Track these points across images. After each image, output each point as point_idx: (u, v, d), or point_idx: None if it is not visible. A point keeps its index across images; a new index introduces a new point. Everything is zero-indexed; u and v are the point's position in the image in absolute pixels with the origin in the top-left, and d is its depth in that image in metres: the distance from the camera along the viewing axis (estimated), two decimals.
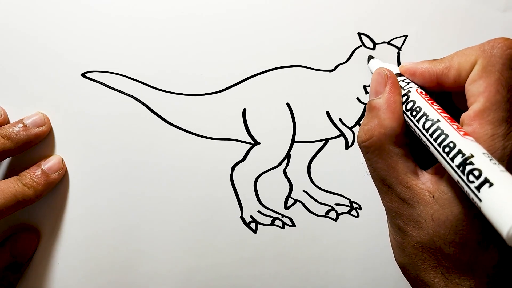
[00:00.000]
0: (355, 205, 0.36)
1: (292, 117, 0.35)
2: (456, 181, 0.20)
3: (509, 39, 0.23)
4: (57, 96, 0.34)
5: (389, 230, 0.26)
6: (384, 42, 0.34)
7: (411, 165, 0.24)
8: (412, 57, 0.34)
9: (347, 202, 0.36)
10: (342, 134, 0.35)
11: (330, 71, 0.35)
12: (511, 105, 0.21)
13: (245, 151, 0.35)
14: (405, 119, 0.25)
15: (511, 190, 0.18)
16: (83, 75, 0.34)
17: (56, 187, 0.34)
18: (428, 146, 0.23)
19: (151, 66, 0.34)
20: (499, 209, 0.18)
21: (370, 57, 0.33)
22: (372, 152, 0.25)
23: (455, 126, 0.22)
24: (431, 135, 0.22)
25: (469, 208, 0.21)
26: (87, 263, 0.35)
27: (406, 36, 0.34)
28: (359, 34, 0.34)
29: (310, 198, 0.36)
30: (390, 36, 0.34)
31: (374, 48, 0.34)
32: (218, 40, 0.34)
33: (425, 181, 0.23)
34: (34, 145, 0.33)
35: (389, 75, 0.26)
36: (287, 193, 0.36)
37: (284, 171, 0.36)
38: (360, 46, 0.34)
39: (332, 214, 0.36)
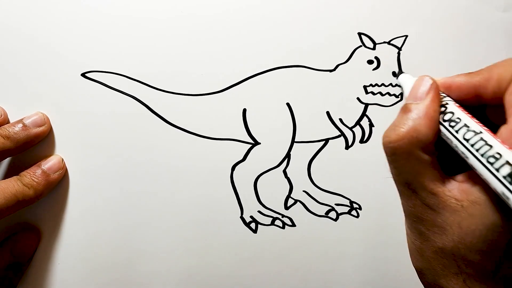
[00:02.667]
0: (355, 205, 0.36)
1: (292, 117, 0.35)
2: (501, 192, 0.21)
3: None
4: (57, 96, 0.34)
5: (407, 234, 0.26)
6: (384, 42, 0.34)
7: (437, 173, 0.24)
8: (412, 57, 0.34)
9: (347, 202, 0.36)
10: (342, 134, 0.35)
11: (330, 71, 0.35)
12: None
13: (245, 151, 0.35)
14: (439, 130, 0.24)
15: None
16: (83, 75, 0.34)
17: (57, 187, 0.34)
18: (467, 157, 0.23)
19: (151, 66, 0.34)
20: None
21: (400, 72, 0.34)
22: (400, 154, 0.24)
23: (498, 139, 0.22)
24: (472, 145, 0.22)
25: (502, 220, 0.21)
26: (87, 262, 0.35)
27: (406, 36, 0.34)
28: (359, 34, 0.34)
29: (310, 198, 0.36)
30: (390, 36, 0.34)
31: (374, 48, 0.34)
32: (218, 40, 0.34)
33: (452, 188, 0.23)
34: (34, 145, 0.33)
35: (434, 85, 0.25)
36: (287, 193, 0.36)
37: (284, 171, 0.36)
38: (360, 46, 0.34)
39: (332, 214, 0.36)
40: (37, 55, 0.34)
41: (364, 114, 0.35)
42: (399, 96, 0.34)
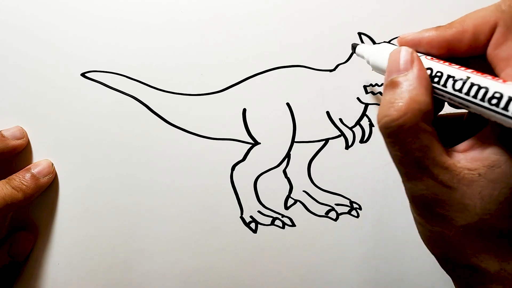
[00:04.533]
0: (355, 205, 0.36)
1: (292, 117, 0.35)
2: None
3: None
4: (57, 96, 0.34)
5: (419, 224, 0.24)
6: (384, 42, 0.34)
7: (441, 145, 0.22)
8: None
9: (347, 202, 0.36)
10: (342, 134, 0.35)
11: (330, 71, 0.34)
12: None
13: (245, 151, 0.35)
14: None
15: None
16: (83, 75, 0.34)
17: (55, 187, 0.34)
18: (468, 108, 0.21)
19: (151, 66, 0.34)
20: None
21: (355, 44, 0.32)
22: (406, 131, 0.21)
23: (489, 77, 0.20)
24: (467, 93, 0.21)
25: None
26: (85, 263, 0.35)
27: None
28: (359, 34, 0.34)
29: (310, 198, 0.36)
30: (390, 36, 0.34)
31: None
32: (218, 40, 0.34)
33: (459, 159, 0.21)
34: (11, 156, 0.34)
35: (414, 52, 0.24)
36: (287, 193, 0.36)
37: (284, 171, 0.36)
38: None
39: (332, 214, 0.36)
40: (37, 55, 0.34)
41: (364, 114, 0.35)
42: None
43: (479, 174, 0.21)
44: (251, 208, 0.36)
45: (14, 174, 0.33)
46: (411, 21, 0.34)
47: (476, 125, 0.24)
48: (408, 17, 0.34)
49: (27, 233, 0.34)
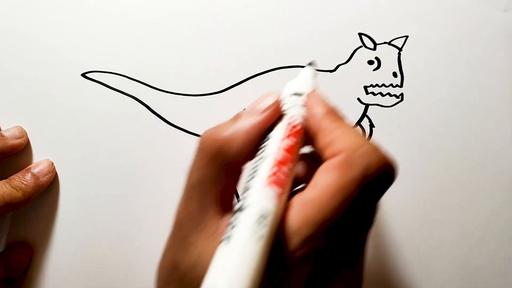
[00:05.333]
0: None
1: None
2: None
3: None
4: (58, 96, 0.34)
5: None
6: (385, 43, 0.34)
7: (227, 199, 0.22)
8: (413, 58, 0.34)
9: None
10: None
11: (331, 71, 0.34)
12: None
13: None
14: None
15: (225, 258, 0.16)
16: (83, 75, 0.34)
17: (54, 188, 0.34)
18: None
19: (151, 66, 0.34)
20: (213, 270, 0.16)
21: (309, 64, 0.28)
22: (202, 157, 0.22)
23: (276, 169, 0.19)
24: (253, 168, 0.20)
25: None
26: (86, 263, 0.35)
27: (407, 36, 0.34)
28: (360, 34, 0.34)
29: None
30: (391, 36, 0.34)
31: (374, 49, 0.34)
32: (218, 40, 0.34)
33: (223, 222, 0.21)
34: (10, 156, 0.33)
35: (275, 104, 0.23)
36: None
37: None
38: (361, 46, 0.34)
39: None
40: (37, 55, 0.34)
41: (364, 114, 0.35)
42: (400, 97, 0.34)
43: (213, 240, 0.21)
44: None
45: (14, 174, 0.33)
46: (411, 22, 0.34)
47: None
48: (408, 17, 0.34)
49: (22, 248, 0.34)
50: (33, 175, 0.33)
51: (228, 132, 0.22)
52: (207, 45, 0.34)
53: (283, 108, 0.23)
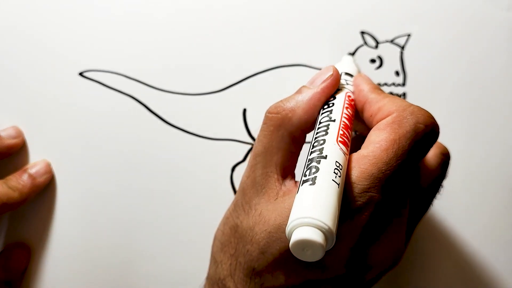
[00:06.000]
0: None
1: None
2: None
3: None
4: (55, 95, 0.34)
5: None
6: (387, 41, 0.34)
7: (288, 163, 0.24)
8: (415, 56, 0.34)
9: None
10: None
11: None
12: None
13: (246, 152, 0.35)
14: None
15: (313, 195, 0.18)
16: (81, 74, 0.34)
17: (52, 189, 0.34)
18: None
19: (149, 65, 0.34)
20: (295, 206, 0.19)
21: (350, 54, 0.34)
22: (269, 126, 0.25)
23: (342, 132, 0.22)
24: (318, 130, 0.23)
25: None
26: (85, 263, 0.35)
27: (409, 35, 0.34)
28: (362, 33, 0.34)
29: None
30: (393, 35, 0.34)
31: (377, 47, 0.34)
32: (218, 39, 0.34)
33: (286, 184, 0.24)
34: (7, 156, 0.33)
35: (332, 77, 0.25)
36: None
37: None
38: (362, 45, 0.34)
39: None
40: (33, 54, 0.34)
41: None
42: (402, 96, 0.34)
43: (276, 199, 0.24)
44: None
45: (11, 175, 0.33)
46: (414, 20, 0.34)
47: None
48: (411, 16, 0.34)
49: (21, 250, 0.34)
50: (30, 175, 0.33)
51: (291, 104, 0.25)
52: (205, 44, 0.34)
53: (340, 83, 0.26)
